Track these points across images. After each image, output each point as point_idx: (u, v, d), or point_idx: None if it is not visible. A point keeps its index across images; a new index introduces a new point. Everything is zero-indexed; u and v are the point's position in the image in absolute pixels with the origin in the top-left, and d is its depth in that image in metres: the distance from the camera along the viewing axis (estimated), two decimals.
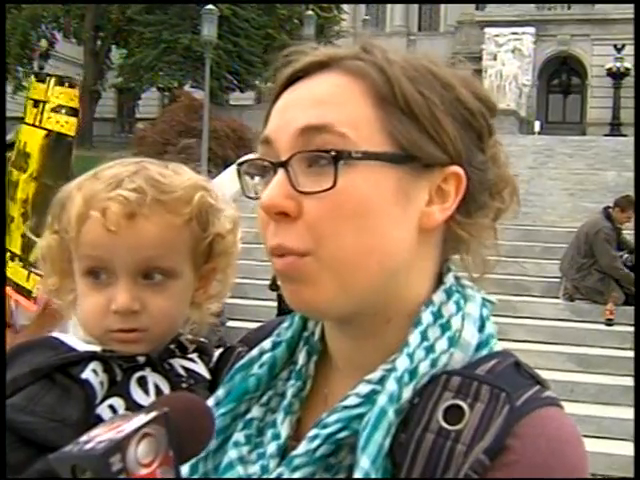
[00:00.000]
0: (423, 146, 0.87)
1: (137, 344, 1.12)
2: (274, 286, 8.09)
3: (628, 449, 6.14)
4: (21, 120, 3.43)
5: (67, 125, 3.20)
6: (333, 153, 0.83)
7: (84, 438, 0.80)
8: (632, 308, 8.60)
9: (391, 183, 0.85)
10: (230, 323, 8.58)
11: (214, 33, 20.12)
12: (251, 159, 0.93)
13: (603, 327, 8.82)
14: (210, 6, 20.01)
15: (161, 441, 0.82)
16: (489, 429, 0.79)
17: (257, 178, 0.93)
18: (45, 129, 3.21)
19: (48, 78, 3.20)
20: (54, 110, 3.18)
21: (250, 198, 0.92)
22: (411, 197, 0.87)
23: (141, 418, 0.82)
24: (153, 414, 0.83)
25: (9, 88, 33.85)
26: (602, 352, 8.31)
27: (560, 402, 0.87)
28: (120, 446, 0.77)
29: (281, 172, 0.86)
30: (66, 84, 3.19)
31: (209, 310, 1.25)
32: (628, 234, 9.44)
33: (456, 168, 0.88)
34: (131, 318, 1.11)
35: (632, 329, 8.19)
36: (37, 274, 2.91)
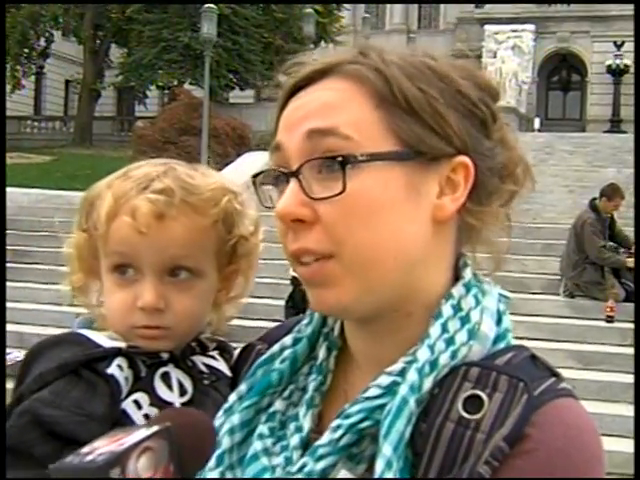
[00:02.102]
0: (427, 140, 0.89)
1: (161, 341, 1.15)
2: (291, 302, 8.12)
3: (629, 446, 6.14)
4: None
5: None
6: (340, 158, 0.86)
7: (85, 449, 0.80)
8: (632, 305, 8.60)
9: (400, 180, 0.88)
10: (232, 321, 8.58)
11: (214, 31, 20.11)
12: (265, 170, 0.96)
13: (603, 324, 8.82)
14: (210, 4, 20.01)
15: (162, 455, 0.82)
16: (508, 418, 0.81)
17: (271, 186, 0.95)
18: None
19: None
20: None
21: (268, 208, 0.95)
22: (421, 191, 0.89)
23: (143, 432, 0.82)
24: (155, 428, 0.83)
25: (7, 87, 33.91)
26: (603, 349, 8.31)
27: (575, 393, 0.88)
28: (120, 459, 0.77)
29: (293, 181, 0.89)
30: None
31: (228, 312, 1.27)
32: (629, 231, 9.44)
33: (463, 158, 0.90)
34: (156, 315, 1.13)
35: (633, 326, 8.20)
36: None
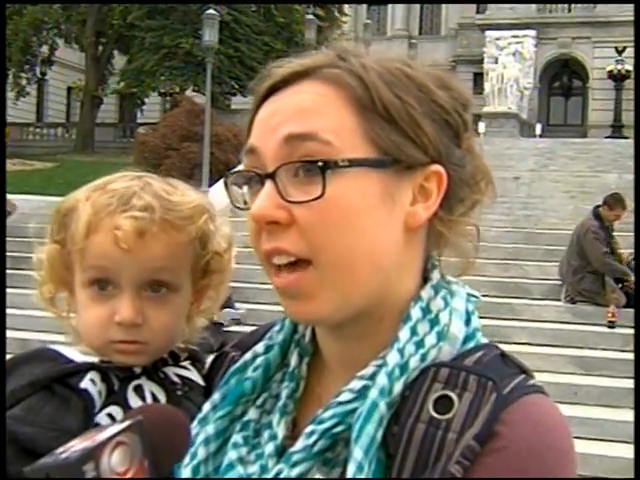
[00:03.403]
0: (404, 149, 0.89)
1: (137, 355, 1.15)
2: None
3: (631, 452, 6.13)
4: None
5: None
6: (320, 163, 0.86)
7: (60, 449, 0.81)
8: (634, 310, 8.58)
9: (377, 187, 0.88)
10: (234, 327, 8.58)
11: (215, 38, 20.13)
12: (238, 171, 0.95)
13: (605, 329, 8.80)
14: (211, 11, 20.03)
15: (135, 450, 0.82)
16: (478, 416, 0.82)
17: (245, 188, 0.94)
18: None
19: None
20: None
21: (239, 209, 0.94)
22: (396, 198, 0.89)
23: (115, 427, 0.83)
24: (127, 423, 0.83)
25: (11, 94, 33.97)
26: (604, 354, 8.30)
27: (544, 390, 0.89)
28: (93, 454, 0.78)
29: (269, 183, 0.88)
30: None
31: (197, 323, 1.27)
32: (620, 235, 9.43)
33: (437, 167, 0.91)
34: (133, 330, 1.13)
35: (634, 331, 8.18)
36: None
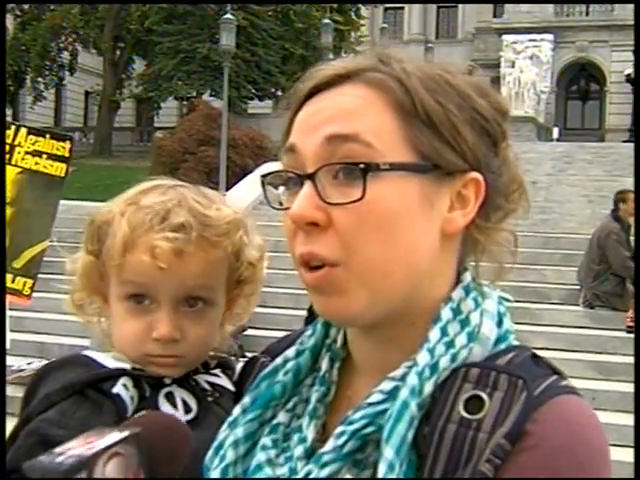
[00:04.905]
0: (444, 155, 0.89)
1: (173, 368, 1.16)
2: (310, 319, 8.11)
3: None
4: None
5: (52, 168, 4.52)
6: (362, 165, 0.86)
7: (58, 449, 0.81)
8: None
9: (416, 192, 0.88)
10: (249, 331, 8.58)
11: (232, 42, 20.22)
12: (276, 171, 0.95)
13: (624, 334, 8.74)
14: (228, 15, 20.11)
15: (131, 462, 0.82)
16: (509, 415, 0.82)
17: (281, 188, 0.95)
18: (19, 167, 4.42)
19: (14, 127, 4.50)
20: (30, 153, 4.43)
21: (276, 209, 0.94)
22: (434, 204, 0.89)
23: (114, 436, 0.83)
24: (125, 433, 0.83)
25: (29, 99, 34.18)
26: (623, 360, 8.23)
27: (577, 391, 0.88)
28: (87, 463, 0.79)
29: (308, 184, 0.88)
30: (47, 135, 4.57)
31: (227, 331, 1.28)
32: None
33: (475, 174, 0.91)
34: (171, 345, 1.14)
35: (634, 332, 8.12)
36: (23, 276, 4.58)
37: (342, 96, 0.90)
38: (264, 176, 0.96)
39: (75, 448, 0.81)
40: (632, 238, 9.03)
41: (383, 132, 0.88)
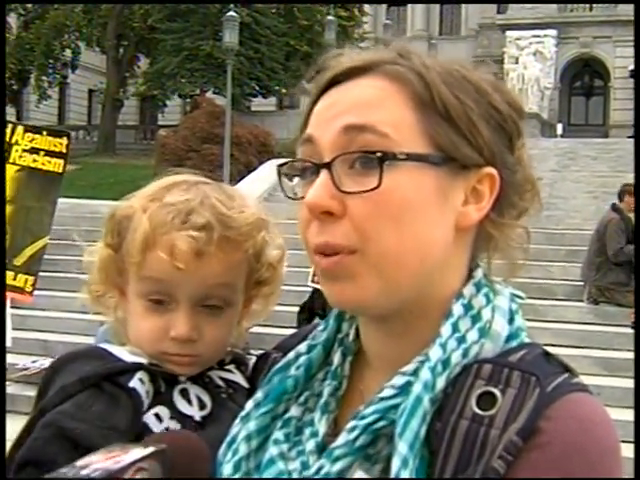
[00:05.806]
0: (461, 148, 0.90)
1: (190, 367, 1.16)
2: (304, 315, 8.13)
3: None
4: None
5: (50, 165, 4.54)
6: (379, 154, 0.86)
7: (81, 462, 0.81)
8: None
9: (431, 184, 0.88)
10: (253, 328, 8.58)
11: (235, 40, 20.21)
12: (293, 160, 0.96)
13: (629, 330, 8.72)
14: (232, 13, 20.10)
15: (154, 477, 0.82)
16: (521, 412, 0.82)
17: (295, 180, 0.95)
18: (17, 164, 4.50)
19: (11, 126, 4.57)
20: (28, 151, 4.47)
21: (291, 199, 0.95)
22: (449, 197, 0.90)
23: (139, 451, 0.83)
24: (150, 449, 0.84)
25: (33, 97, 34.23)
26: (628, 356, 8.21)
27: (589, 388, 0.88)
28: (113, 478, 0.78)
29: (324, 173, 0.89)
30: (44, 132, 4.63)
31: (244, 328, 1.28)
32: None
33: (490, 169, 0.92)
34: (188, 345, 1.14)
35: (634, 332, 8.11)
36: (25, 273, 4.67)
37: (360, 88, 0.91)
38: (280, 165, 0.96)
39: (99, 462, 0.80)
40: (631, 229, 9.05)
41: (401, 124, 0.88)
